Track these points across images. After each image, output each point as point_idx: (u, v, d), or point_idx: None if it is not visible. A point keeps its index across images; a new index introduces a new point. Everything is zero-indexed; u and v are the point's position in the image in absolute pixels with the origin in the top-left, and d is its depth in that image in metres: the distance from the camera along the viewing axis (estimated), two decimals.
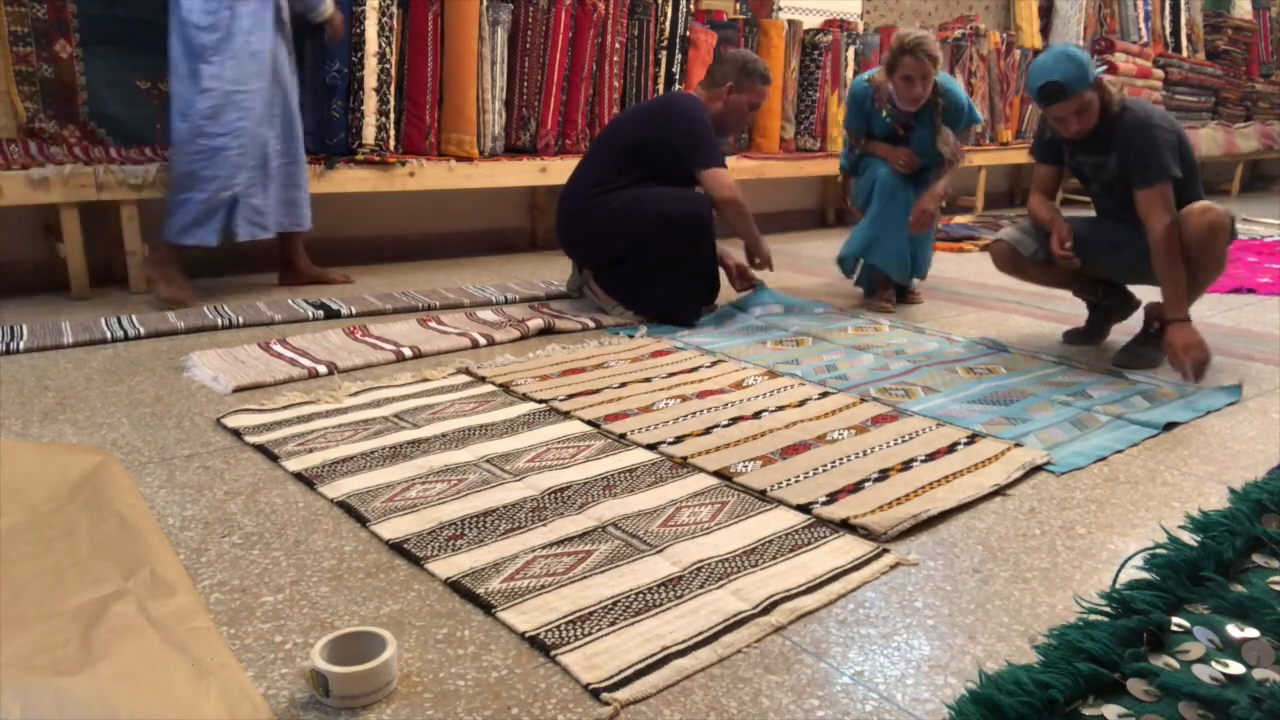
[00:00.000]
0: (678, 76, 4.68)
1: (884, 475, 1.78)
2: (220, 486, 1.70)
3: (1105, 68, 2.52)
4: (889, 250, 3.28)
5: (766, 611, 1.29)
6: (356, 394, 2.23)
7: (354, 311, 3.09)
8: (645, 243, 2.96)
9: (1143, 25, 7.42)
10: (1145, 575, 1.38)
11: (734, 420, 2.08)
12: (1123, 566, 1.42)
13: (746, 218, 3.07)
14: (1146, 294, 2.77)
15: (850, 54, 5.38)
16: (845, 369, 2.53)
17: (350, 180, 3.65)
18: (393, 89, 3.77)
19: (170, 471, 1.76)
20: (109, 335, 2.68)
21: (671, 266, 2.97)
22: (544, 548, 1.46)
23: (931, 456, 1.88)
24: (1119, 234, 2.62)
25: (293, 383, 2.33)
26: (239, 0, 3.00)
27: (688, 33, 4.68)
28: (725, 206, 3.00)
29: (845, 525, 1.57)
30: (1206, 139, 7.34)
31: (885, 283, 3.35)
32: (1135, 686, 1.12)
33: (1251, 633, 1.23)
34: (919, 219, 3.20)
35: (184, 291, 3.12)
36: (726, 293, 3.28)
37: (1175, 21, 7.75)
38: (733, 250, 3.38)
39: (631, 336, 2.87)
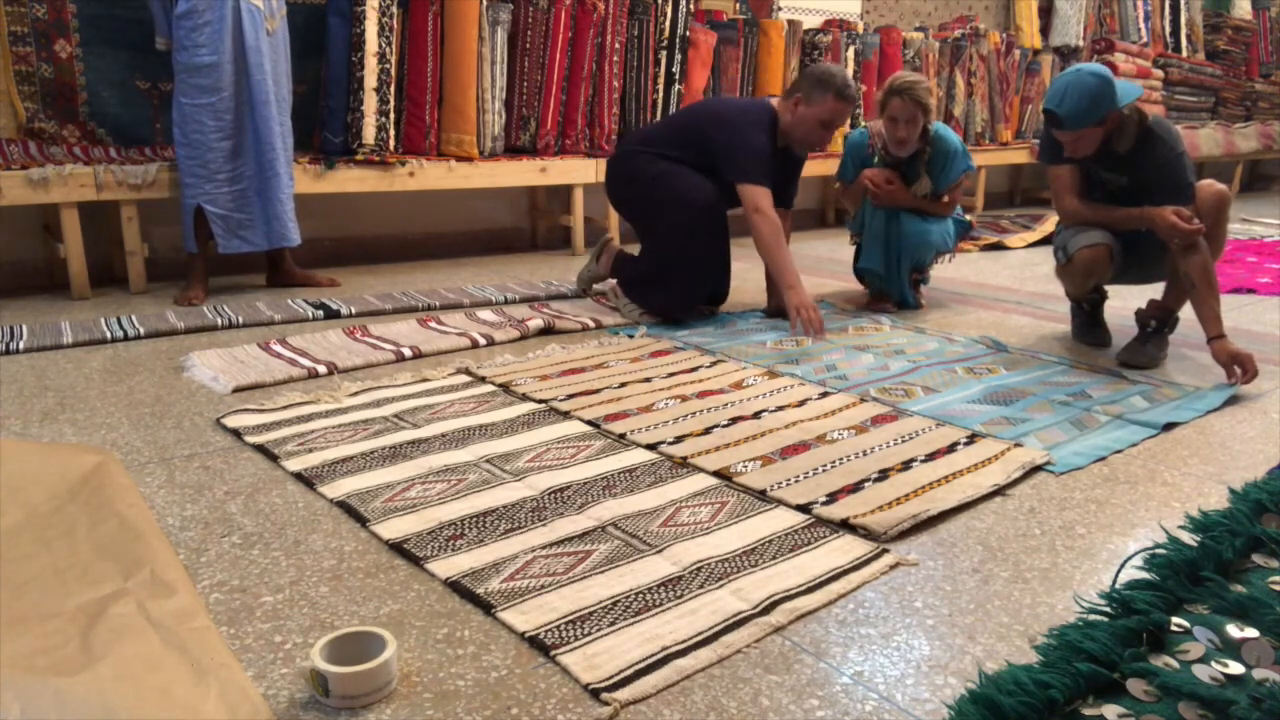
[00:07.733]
0: (677, 76, 4.68)
1: (884, 475, 1.78)
2: (220, 486, 1.70)
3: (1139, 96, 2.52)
4: (870, 251, 3.32)
5: (766, 611, 1.29)
6: (356, 394, 2.23)
7: (354, 311, 3.09)
8: (653, 215, 3.04)
9: (1142, 25, 7.42)
10: (1145, 575, 1.38)
11: (734, 420, 2.08)
12: (1123, 566, 1.42)
13: (771, 245, 2.93)
14: (1144, 294, 2.77)
15: (850, 54, 5.38)
16: (845, 369, 2.53)
17: (350, 180, 3.65)
18: (393, 89, 3.77)
19: (170, 471, 1.76)
20: (109, 335, 2.68)
21: (677, 262, 2.98)
22: (544, 548, 1.46)
23: (931, 456, 1.88)
24: (1133, 235, 2.65)
25: (292, 383, 2.33)
26: (193, 14, 2.97)
27: (687, 33, 4.67)
28: (751, 217, 2.93)
29: (845, 525, 1.57)
30: (1206, 139, 7.33)
31: (883, 294, 3.38)
32: (1135, 686, 1.12)
33: (1251, 633, 1.23)
34: (873, 177, 3.18)
35: (196, 295, 3.18)
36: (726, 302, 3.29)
37: (1175, 21, 7.75)
38: None
39: (631, 336, 2.87)
